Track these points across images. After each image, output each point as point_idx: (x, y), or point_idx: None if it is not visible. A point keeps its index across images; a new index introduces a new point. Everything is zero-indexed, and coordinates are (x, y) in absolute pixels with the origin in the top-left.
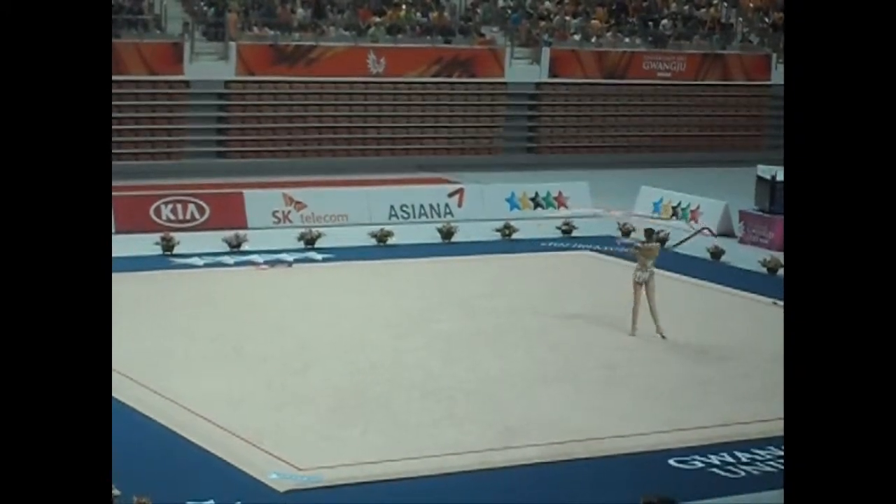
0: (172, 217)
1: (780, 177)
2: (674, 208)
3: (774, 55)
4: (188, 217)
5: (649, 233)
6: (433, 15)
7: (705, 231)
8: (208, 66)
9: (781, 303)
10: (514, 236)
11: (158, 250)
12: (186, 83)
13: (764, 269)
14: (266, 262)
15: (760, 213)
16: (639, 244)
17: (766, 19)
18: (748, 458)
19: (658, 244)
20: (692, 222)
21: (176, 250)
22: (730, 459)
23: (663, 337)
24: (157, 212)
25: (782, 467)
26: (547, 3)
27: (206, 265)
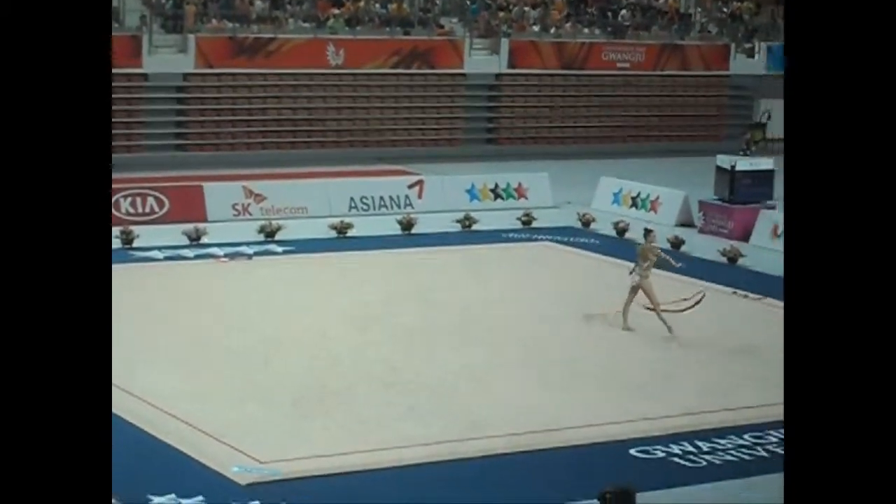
0: (132, 210)
1: (740, 166)
2: (633, 199)
3: (733, 45)
4: (147, 210)
5: (647, 233)
6: (392, 6)
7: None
8: (167, 59)
9: (742, 293)
10: (475, 227)
11: (118, 244)
12: (145, 76)
13: (724, 259)
14: (226, 255)
15: (720, 202)
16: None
17: (725, 9)
18: (709, 448)
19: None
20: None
21: (135, 243)
22: (691, 449)
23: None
24: (117, 205)
25: (742, 456)
26: None
27: (166, 258)
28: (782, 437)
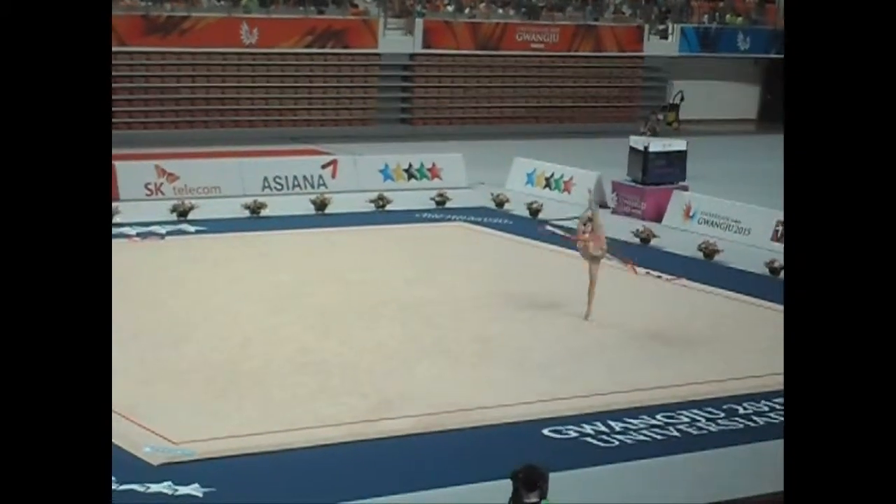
0: None
1: (653, 147)
2: (547, 179)
3: (647, 26)
4: None
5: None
6: None
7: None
8: None
9: (655, 273)
10: (388, 207)
11: None
12: None
13: (637, 240)
14: (138, 235)
15: (633, 183)
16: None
17: None
18: (622, 428)
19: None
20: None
21: None
22: (603, 429)
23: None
24: None
25: (655, 436)
26: None
27: None
28: (693, 417)
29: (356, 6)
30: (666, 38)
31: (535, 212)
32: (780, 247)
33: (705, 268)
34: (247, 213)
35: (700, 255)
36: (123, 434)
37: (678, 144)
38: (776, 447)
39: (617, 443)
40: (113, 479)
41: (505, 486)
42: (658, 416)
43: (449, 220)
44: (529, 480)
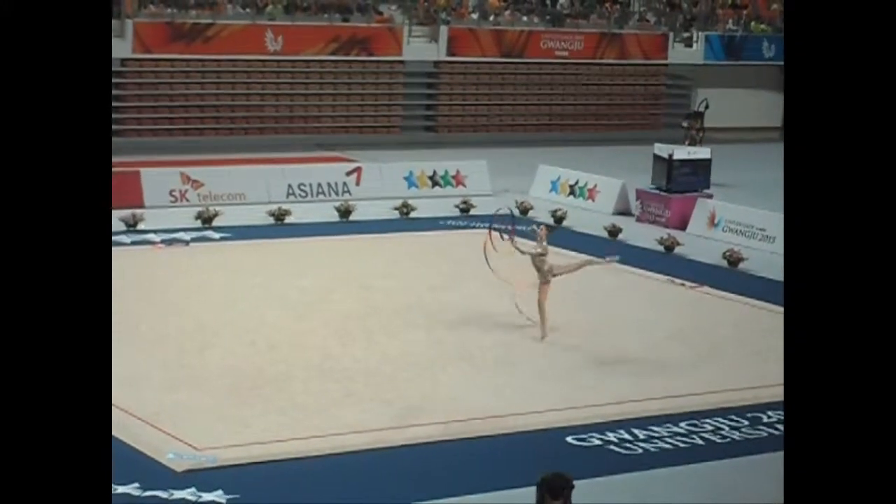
0: None
1: (677, 155)
2: (571, 187)
3: (671, 34)
4: None
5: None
6: None
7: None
8: None
9: (679, 281)
10: (412, 215)
11: None
12: None
13: (661, 248)
14: (163, 241)
15: (657, 191)
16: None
17: None
18: (645, 436)
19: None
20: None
21: None
22: (627, 437)
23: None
24: None
25: (678, 444)
26: None
27: None
28: (717, 425)
29: (381, 14)
30: (691, 45)
31: (559, 219)
32: None
33: (730, 276)
34: (271, 221)
35: (724, 263)
36: (147, 441)
37: (703, 152)
38: None
39: (640, 451)
40: (137, 485)
41: (529, 494)
42: (682, 425)
43: (473, 227)
44: (554, 488)
